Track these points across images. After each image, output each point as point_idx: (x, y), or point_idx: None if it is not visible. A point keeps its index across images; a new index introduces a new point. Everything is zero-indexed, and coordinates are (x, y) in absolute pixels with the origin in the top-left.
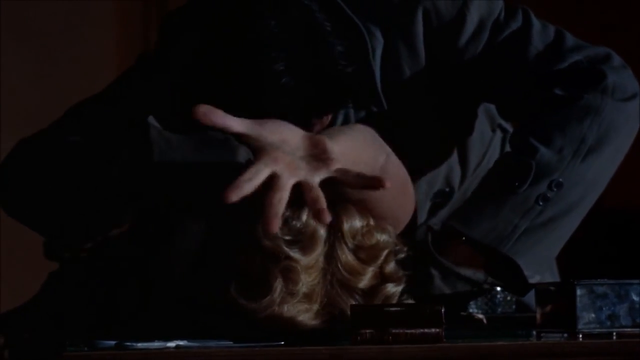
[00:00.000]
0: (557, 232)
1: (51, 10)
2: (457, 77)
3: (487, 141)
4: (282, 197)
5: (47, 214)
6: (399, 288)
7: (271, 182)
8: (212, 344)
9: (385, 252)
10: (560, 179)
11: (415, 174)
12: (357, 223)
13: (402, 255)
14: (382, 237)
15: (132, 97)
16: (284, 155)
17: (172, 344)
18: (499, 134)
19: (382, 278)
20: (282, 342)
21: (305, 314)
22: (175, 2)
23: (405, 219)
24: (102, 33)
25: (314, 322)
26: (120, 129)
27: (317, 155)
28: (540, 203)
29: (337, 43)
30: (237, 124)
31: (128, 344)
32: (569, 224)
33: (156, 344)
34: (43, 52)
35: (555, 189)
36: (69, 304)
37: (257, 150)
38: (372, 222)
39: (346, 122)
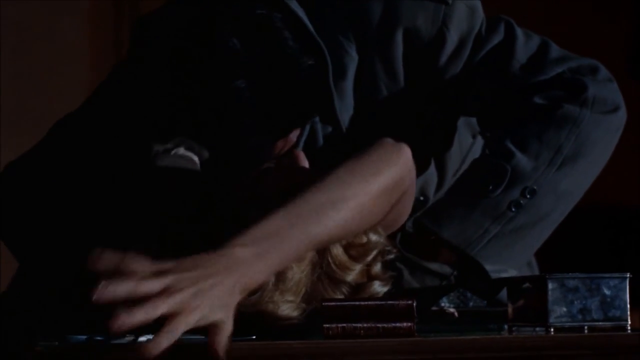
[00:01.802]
0: (527, 240)
1: (25, 6)
2: (438, 94)
3: (465, 149)
4: None
5: (36, 244)
6: (385, 289)
7: None
8: (184, 338)
9: (375, 252)
10: (534, 187)
11: None
12: None
13: (391, 256)
14: (373, 237)
15: (117, 110)
16: None
17: (143, 339)
18: (479, 140)
19: (369, 277)
20: (254, 337)
21: (286, 307)
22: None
23: (398, 225)
24: (74, 30)
25: (293, 315)
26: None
27: None
28: (513, 209)
29: (300, 62)
30: None
31: (99, 338)
32: (539, 234)
33: (127, 339)
34: (16, 47)
35: (528, 196)
36: (39, 298)
37: None
38: None
39: (312, 138)
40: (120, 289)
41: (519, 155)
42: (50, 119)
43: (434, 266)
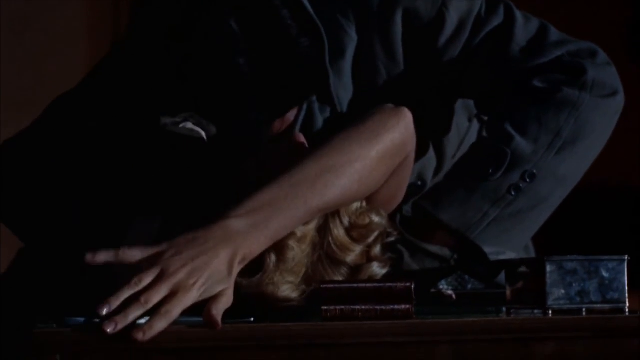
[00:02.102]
0: (526, 224)
1: None
2: (436, 75)
3: (463, 132)
4: None
5: (38, 217)
6: (384, 271)
7: None
8: (182, 319)
9: (376, 234)
10: (534, 170)
11: None
12: (354, 203)
13: (392, 239)
14: (375, 219)
15: (115, 86)
16: None
17: (142, 321)
18: (476, 123)
19: (369, 258)
20: (252, 319)
21: (286, 288)
22: None
23: (397, 200)
24: (72, 12)
25: (292, 296)
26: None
27: None
28: (512, 193)
29: (298, 41)
30: None
31: (97, 320)
32: (537, 217)
33: None
34: (14, 30)
35: (528, 180)
36: (38, 281)
37: None
38: (365, 205)
39: (309, 118)
40: (124, 294)
41: (518, 138)
42: (48, 101)
43: (434, 249)
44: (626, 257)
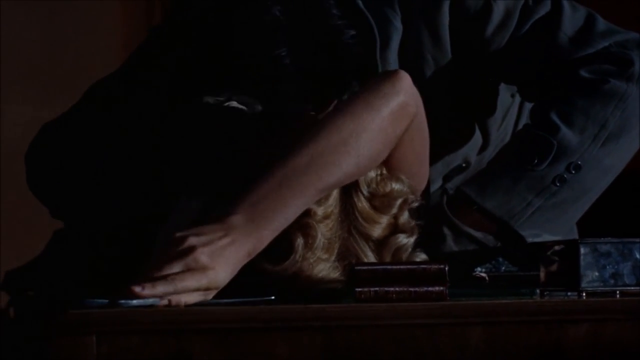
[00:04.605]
0: (568, 214)
1: None
2: (483, 63)
3: (505, 108)
4: None
5: (77, 198)
6: (411, 240)
7: None
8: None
9: (399, 201)
10: (579, 162)
11: (435, 157)
12: (371, 172)
13: (415, 204)
14: (396, 186)
15: (150, 76)
16: None
17: (165, 301)
18: (518, 98)
19: (395, 229)
20: (273, 297)
21: (322, 266)
22: None
23: (423, 178)
24: None
25: (332, 276)
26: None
27: None
28: (557, 184)
29: (344, 32)
30: None
31: (122, 301)
32: (580, 208)
33: (150, 301)
34: (45, 12)
35: (573, 171)
36: (72, 262)
37: None
38: (384, 172)
39: None
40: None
41: (564, 129)
42: (83, 79)
43: (479, 235)
44: None
